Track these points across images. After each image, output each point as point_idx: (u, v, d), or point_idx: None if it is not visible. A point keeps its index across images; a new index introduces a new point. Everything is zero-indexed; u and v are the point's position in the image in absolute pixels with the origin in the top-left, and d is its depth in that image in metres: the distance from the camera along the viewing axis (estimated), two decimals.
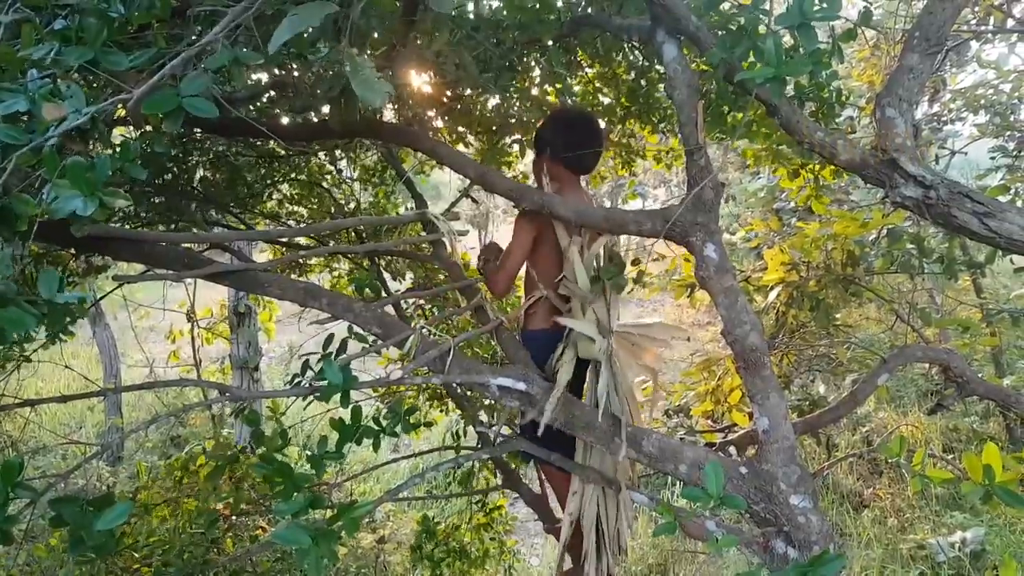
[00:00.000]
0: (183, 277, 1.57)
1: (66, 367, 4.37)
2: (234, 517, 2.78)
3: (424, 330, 1.80)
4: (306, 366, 2.16)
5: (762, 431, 1.49)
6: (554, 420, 1.66)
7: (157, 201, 3.16)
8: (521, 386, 1.70)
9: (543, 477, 2.27)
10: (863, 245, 2.85)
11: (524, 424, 1.76)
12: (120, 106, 1.16)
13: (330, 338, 2.08)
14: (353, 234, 3.50)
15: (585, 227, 1.73)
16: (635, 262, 1.81)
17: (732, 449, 2.59)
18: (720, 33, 1.51)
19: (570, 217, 1.66)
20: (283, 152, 3.51)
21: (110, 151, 1.20)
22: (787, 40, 1.37)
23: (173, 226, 3.25)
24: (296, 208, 3.98)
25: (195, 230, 3.22)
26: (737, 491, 1.49)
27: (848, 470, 6.40)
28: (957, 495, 5.64)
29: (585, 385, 1.91)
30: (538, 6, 2.30)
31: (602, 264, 1.82)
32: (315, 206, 3.97)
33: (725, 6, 2.06)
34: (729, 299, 1.48)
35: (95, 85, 1.42)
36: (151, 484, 2.77)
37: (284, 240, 3.15)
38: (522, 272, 2.04)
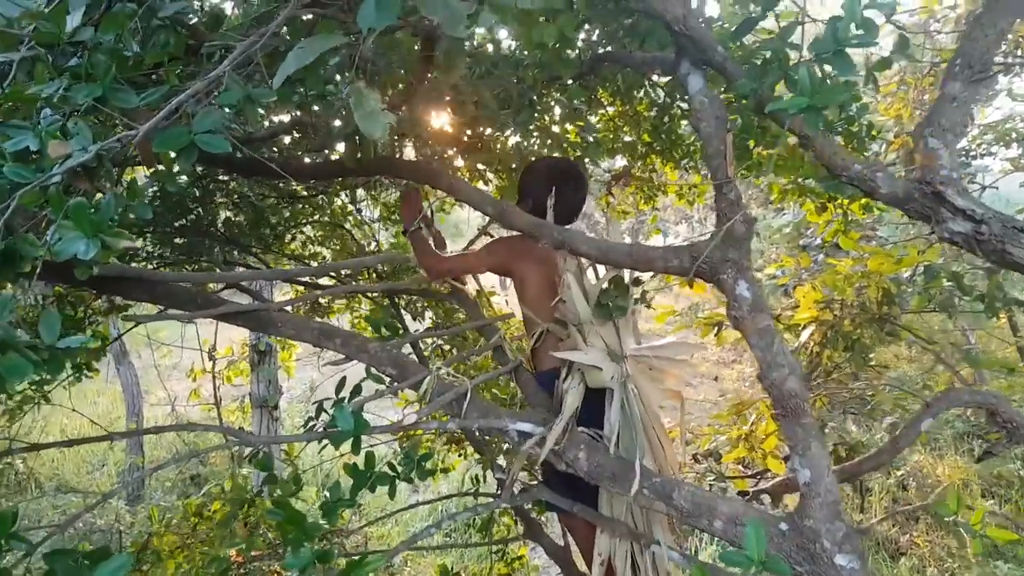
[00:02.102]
0: (195, 317, 1.53)
1: (73, 410, 4.34)
2: (248, 563, 2.70)
3: (441, 371, 1.73)
4: (320, 409, 2.10)
5: (803, 483, 1.39)
6: (579, 467, 1.57)
7: (179, 242, 3.17)
8: (540, 431, 1.62)
9: (566, 530, 2.16)
10: (899, 283, 2.74)
11: (546, 472, 1.67)
12: (132, 145, 1.13)
13: (343, 381, 2.02)
14: (373, 274, 3.47)
15: (608, 264, 1.66)
16: (636, 282, 1.74)
17: (766, 498, 2.45)
18: (745, 67, 1.45)
19: (593, 254, 1.59)
20: (306, 192, 3.52)
21: (121, 190, 1.17)
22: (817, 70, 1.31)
23: (195, 267, 3.25)
24: (318, 249, 3.98)
25: (218, 270, 3.21)
26: (777, 550, 1.38)
27: (882, 515, 6.11)
28: (999, 544, 5.34)
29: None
30: (557, 44, 2.29)
31: (603, 288, 1.76)
32: (337, 247, 3.97)
33: (748, 38, 2.02)
34: (765, 340, 1.39)
35: (106, 123, 1.40)
36: (164, 529, 2.70)
37: (304, 280, 3.12)
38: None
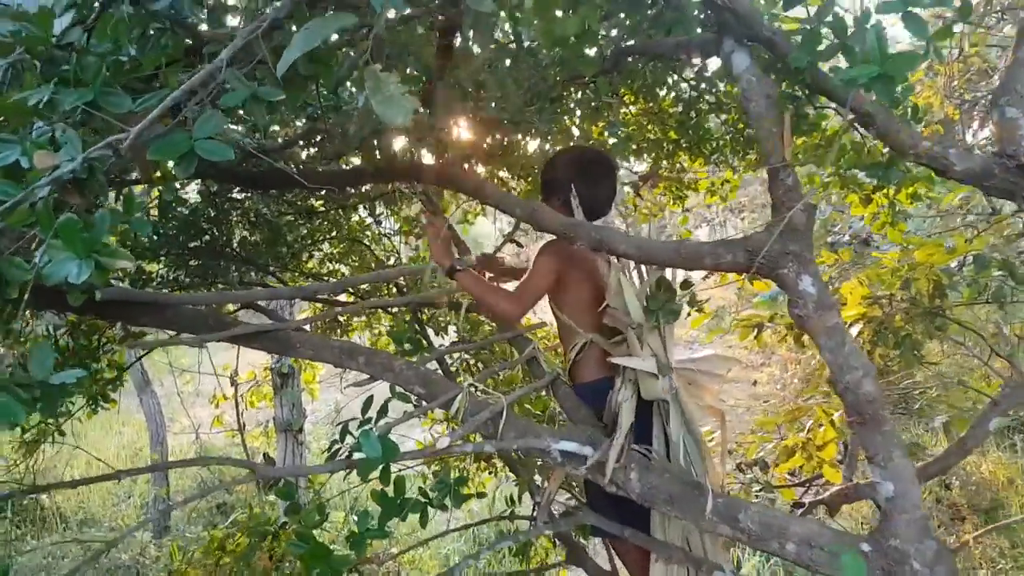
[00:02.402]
0: (207, 341, 1.42)
1: (76, 447, 4.25)
2: None
3: (472, 388, 1.60)
4: (345, 432, 1.98)
5: (885, 498, 1.24)
6: (630, 488, 1.43)
7: (194, 264, 3.08)
8: (588, 451, 1.48)
9: (613, 554, 2.00)
10: (950, 274, 2.57)
11: (592, 494, 1.53)
12: (124, 152, 1.02)
13: (369, 401, 1.89)
14: (394, 288, 3.36)
15: (653, 263, 1.52)
16: (685, 285, 1.59)
17: (820, 508, 2.29)
18: (797, 38, 1.32)
19: (634, 253, 1.46)
20: (323, 208, 3.42)
21: (120, 206, 1.06)
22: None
23: (210, 289, 3.16)
24: (337, 266, 3.88)
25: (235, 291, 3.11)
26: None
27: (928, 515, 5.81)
28: None
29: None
30: (578, 39, 2.17)
31: (650, 293, 1.60)
32: (356, 263, 3.86)
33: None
34: (835, 340, 1.25)
35: (101, 133, 1.30)
36: (186, 566, 2.59)
37: (323, 297, 3.01)
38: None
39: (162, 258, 2.99)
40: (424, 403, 1.64)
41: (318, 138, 1.87)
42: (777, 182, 1.26)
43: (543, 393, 2.55)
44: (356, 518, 1.63)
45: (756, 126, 1.29)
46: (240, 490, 7.17)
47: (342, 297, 3.45)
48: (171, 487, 7.31)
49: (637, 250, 1.45)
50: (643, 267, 1.62)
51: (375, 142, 1.56)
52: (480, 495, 1.87)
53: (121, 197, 1.08)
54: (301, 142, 1.95)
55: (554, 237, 1.64)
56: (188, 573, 2.49)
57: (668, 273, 1.67)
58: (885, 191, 2.53)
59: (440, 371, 2.50)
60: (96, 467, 8.97)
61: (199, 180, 3.27)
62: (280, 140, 1.89)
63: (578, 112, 2.80)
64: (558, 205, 1.78)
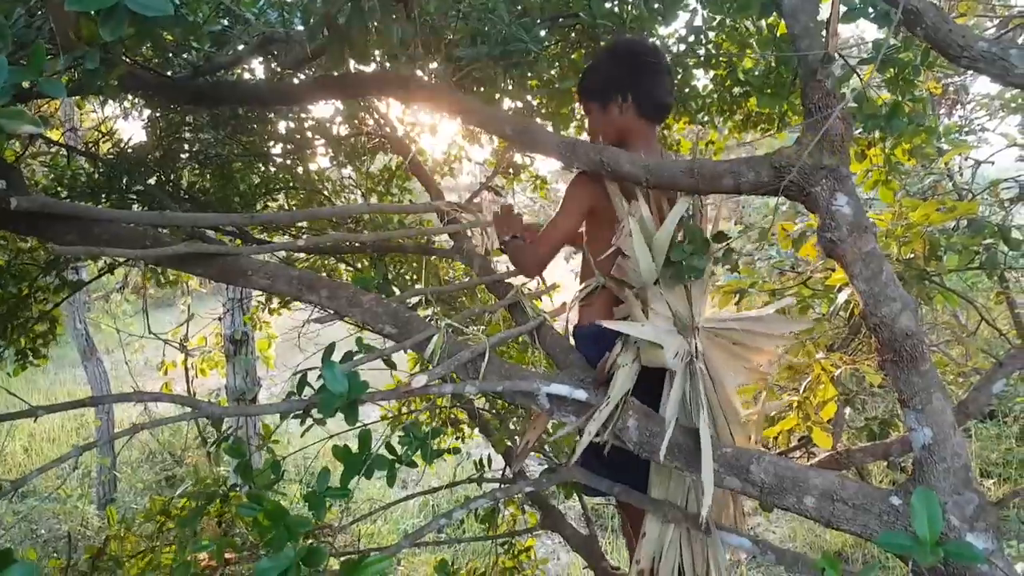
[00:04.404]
0: (144, 257, 1.21)
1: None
2: (222, 568, 2.36)
3: (449, 329, 1.42)
4: (303, 382, 1.77)
5: (921, 446, 1.10)
6: (627, 437, 1.27)
7: (139, 209, 2.81)
8: (580, 395, 1.31)
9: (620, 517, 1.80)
10: (947, 235, 2.48)
11: (584, 449, 1.36)
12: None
13: (332, 347, 1.69)
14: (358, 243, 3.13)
15: (661, 187, 1.34)
16: (719, 237, 1.41)
17: None
18: None
19: (639, 175, 1.28)
20: (277, 154, 3.17)
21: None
22: None
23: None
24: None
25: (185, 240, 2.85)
26: (888, 530, 1.09)
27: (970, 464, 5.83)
28: None
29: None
30: None
31: (674, 243, 1.41)
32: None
33: None
34: (871, 269, 1.10)
35: None
36: (125, 531, 2.36)
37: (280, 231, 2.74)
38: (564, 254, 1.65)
39: (104, 201, 2.72)
40: (396, 344, 1.45)
41: (274, 51, 1.64)
42: (813, 84, 1.10)
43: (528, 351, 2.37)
44: (315, 483, 1.45)
45: (790, 22, 1.12)
46: (190, 461, 6.88)
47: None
48: (117, 459, 6.97)
49: (644, 171, 1.28)
50: (665, 205, 1.43)
51: (345, 46, 1.34)
52: (454, 451, 1.69)
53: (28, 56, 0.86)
54: (257, 56, 1.72)
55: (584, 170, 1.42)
56: (128, 539, 2.26)
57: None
58: (881, 146, 2.40)
59: None
60: (41, 436, 8.55)
61: (145, 116, 3.02)
62: (231, 53, 1.66)
63: (556, 64, 2.60)
64: (616, 107, 1.54)
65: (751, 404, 1.63)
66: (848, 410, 2.79)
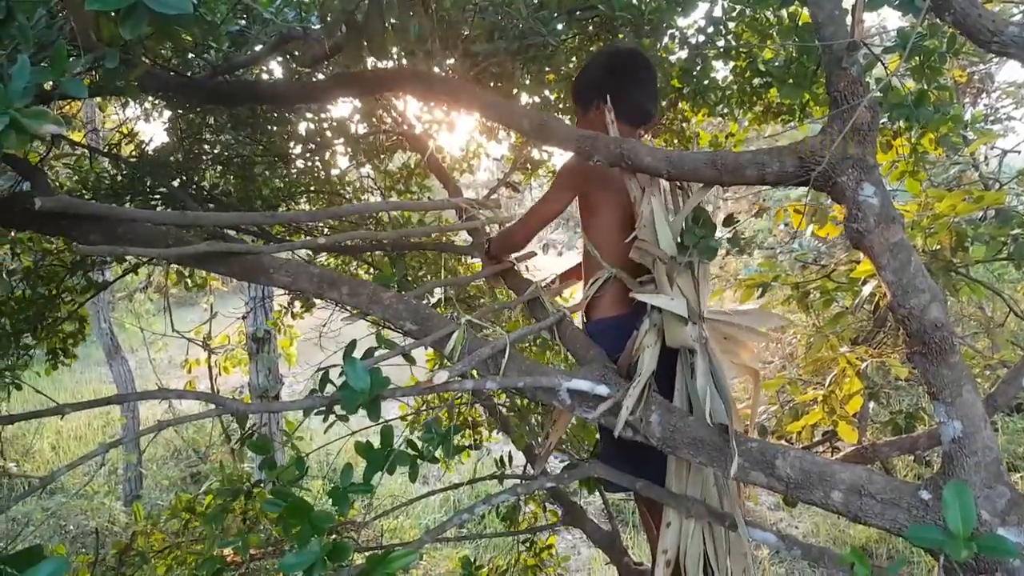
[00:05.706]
0: (166, 256, 1.22)
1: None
2: (247, 563, 2.39)
3: (469, 325, 1.42)
4: (325, 379, 1.78)
5: (951, 440, 1.08)
6: (650, 432, 1.26)
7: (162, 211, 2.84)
8: (602, 390, 1.31)
9: (644, 510, 1.80)
10: (975, 225, 2.43)
11: (605, 443, 1.35)
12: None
13: (353, 344, 1.70)
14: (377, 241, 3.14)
15: (683, 178, 1.33)
16: (728, 221, 1.40)
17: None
18: None
19: (660, 167, 1.27)
20: (298, 155, 3.19)
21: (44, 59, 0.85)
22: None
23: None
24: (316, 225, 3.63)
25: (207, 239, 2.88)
26: (918, 524, 1.07)
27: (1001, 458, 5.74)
28: None
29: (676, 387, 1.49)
30: None
31: (686, 226, 1.40)
32: (335, 222, 3.62)
33: None
34: (899, 260, 1.08)
35: None
36: (151, 528, 2.39)
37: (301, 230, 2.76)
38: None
39: (127, 203, 2.76)
40: (415, 341, 1.45)
41: (292, 50, 1.65)
42: (839, 73, 1.08)
43: (546, 351, 2.36)
44: (339, 479, 1.46)
45: (815, 9, 1.10)
46: (214, 458, 6.96)
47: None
48: (143, 456, 7.08)
49: (665, 163, 1.27)
50: (680, 198, 1.42)
51: (363, 42, 1.35)
52: (476, 447, 1.69)
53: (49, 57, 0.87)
54: (275, 55, 1.73)
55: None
56: (154, 535, 2.30)
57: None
58: (908, 136, 2.36)
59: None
60: (68, 434, 8.70)
61: (166, 118, 3.05)
62: (249, 53, 1.67)
63: (574, 58, 2.58)
64: (597, 111, 1.55)
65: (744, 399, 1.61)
66: (872, 404, 2.76)
